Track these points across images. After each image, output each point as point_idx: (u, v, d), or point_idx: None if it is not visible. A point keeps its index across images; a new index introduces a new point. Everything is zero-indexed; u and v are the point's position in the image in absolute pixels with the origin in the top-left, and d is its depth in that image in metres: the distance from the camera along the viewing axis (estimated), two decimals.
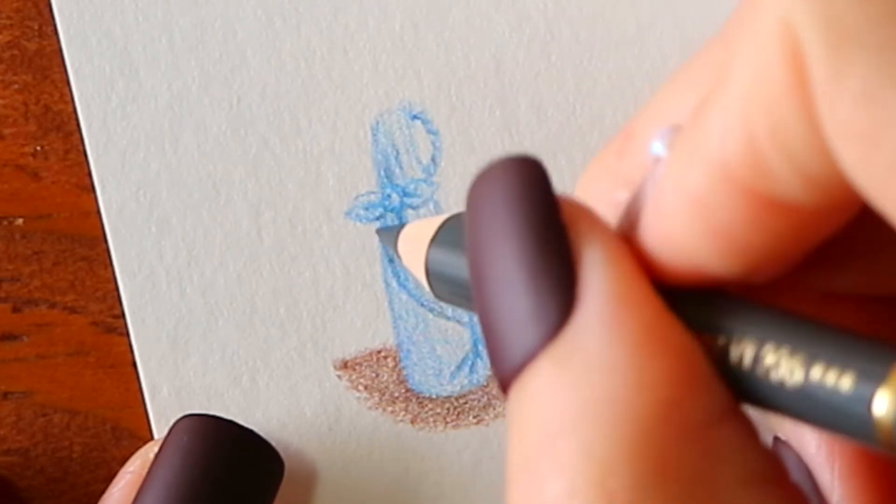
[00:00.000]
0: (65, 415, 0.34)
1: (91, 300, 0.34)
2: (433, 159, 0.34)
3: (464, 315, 0.35)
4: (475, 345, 0.35)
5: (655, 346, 0.18)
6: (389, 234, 0.28)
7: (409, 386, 0.35)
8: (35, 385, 0.34)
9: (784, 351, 0.18)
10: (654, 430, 0.18)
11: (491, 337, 0.19)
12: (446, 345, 0.35)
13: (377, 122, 0.34)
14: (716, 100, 0.18)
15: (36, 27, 0.33)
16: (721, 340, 0.19)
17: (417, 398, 0.35)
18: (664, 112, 0.22)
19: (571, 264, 0.19)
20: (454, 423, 0.35)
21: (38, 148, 0.34)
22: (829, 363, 0.17)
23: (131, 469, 0.32)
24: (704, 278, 0.19)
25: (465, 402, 0.35)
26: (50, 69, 0.33)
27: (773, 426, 0.24)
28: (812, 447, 0.24)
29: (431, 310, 0.35)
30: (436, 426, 0.34)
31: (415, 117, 0.34)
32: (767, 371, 0.18)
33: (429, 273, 0.24)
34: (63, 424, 0.34)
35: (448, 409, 0.35)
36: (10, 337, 0.34)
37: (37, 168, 0.34)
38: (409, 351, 0.34)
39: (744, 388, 0.18)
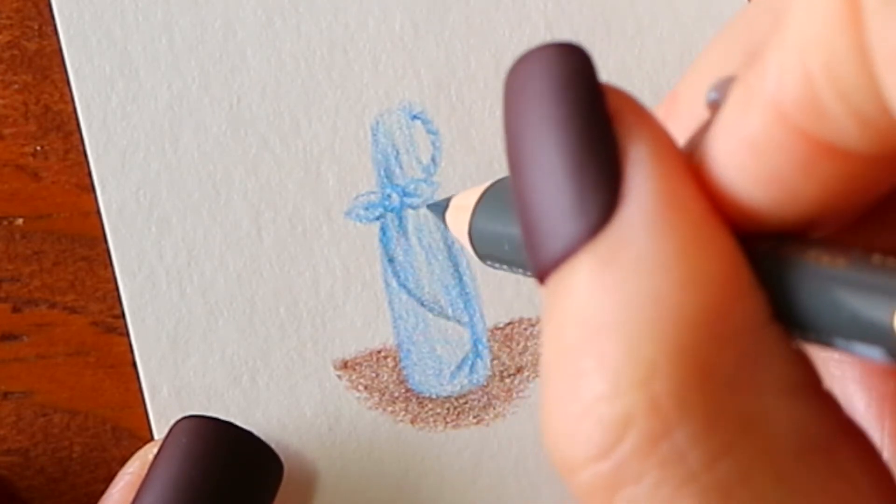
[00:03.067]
0: (65, 415, 0.34)
1: (91, 300, 0.34)
2: (433, 159, 0.34)
3: (464, 315, 0.35)
4: (475, 345, 0.35)
5: (702, 246, 0.18)
6: (438, 207, 0.28)
7: (409, 386, 0.35)
8: (35, 385, 0.34)
9: (831, 248, 0.18)
10: (700, 331, 0.17)
11: (529, 226, 0.19)
12: (446, 345, 0.35)
13: (377, 122, 0.34)
14: (773, 41, 0.18)
15: (36, 27, 0.33)
16: (766, 245, 0.19)
17: (417, 398, 0.35)
18: (708, 72, 0.22)
19: (616, 158, 0.18)
20: (454, 423, 0.35)
21: (38, 148, 0.34)
22: (871, 254, 0.17)
23: (130, 470, 0.32)
24: (759, 226, 0.19)
25: (465, 402, 0.35)
26: (50, 69, 0.33)
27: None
28: (862, 406, 0.23)
29: (431, 310, 0.35)
30: (436, 426, 0.34)
31: (415, 117, 0.34)
32: (811, 260, 0.18)
33: (472, 235, 0.24)
34: (63, 424, 0.34)
35: (448, 409, 0.35)
36: (10, 337, 0.34)
37: (37, 168, 0.34)
38: (409, 351, 0.34)
39: (782, 296, 0.18)
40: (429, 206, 0.34)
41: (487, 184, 0.25)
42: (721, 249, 0.18)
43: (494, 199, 0.24)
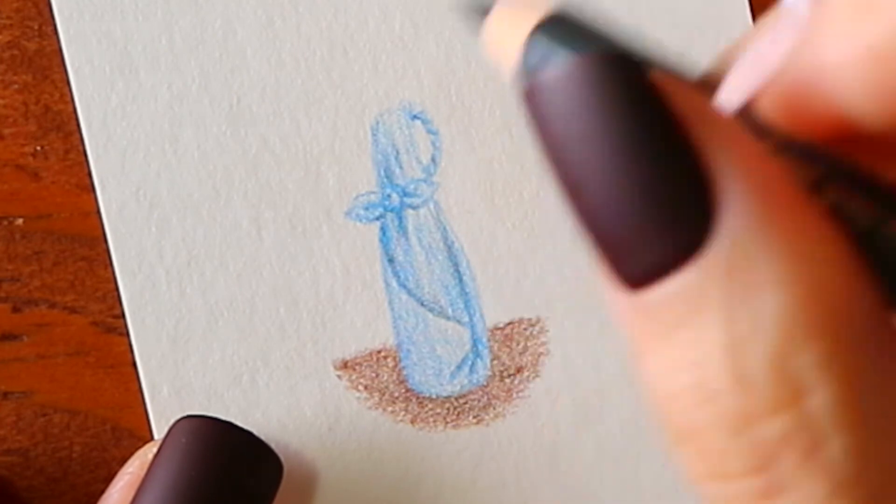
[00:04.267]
0: (65, 415, 0.34)
1: (91, 300, 0.34)
2: (433, 159, 0.34)
3: (464, 315, 0.35)
4: (475, 345, 0.35)
5: (820, 254, 0.17)
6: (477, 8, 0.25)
7: (409, 386, 0.35)
8: (35, 385, 0.34)
9: None
10: (843, 332, 0.17)
11: (607, 237, 0.18)
12: (446, 345, 0.35)
13: (377, 122, 0.34)
14: None
15: (36, 27, 0.33)
16: (863, 221, 0.18)
17: (417, 398, 0.35)
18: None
19: (704, 178, 0.17)
20: (454, 423, 0.35)
21: (38, 148, 0.34)
22: None
23: (130, 470, 0.32)
24: (855, 135, 0.18)
25: (465, 402, 0.35)
26: (50, 69, 0.33)
27: None
28: None
29: (431, 310, 0.34)
30: (436, 426, 0.34)
31: (415, 117, 0.34)
32: None
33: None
34: (63, 424, 0.34)
35: (448, 409, 0.35)
36: (10, 337, 0.34)
37: (37, 168, 0.34)
38: (409, 351, 0.34)
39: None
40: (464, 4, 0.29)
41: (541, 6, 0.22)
42: (836, 251, 0.17)
43: (559, 30, 0.21)
